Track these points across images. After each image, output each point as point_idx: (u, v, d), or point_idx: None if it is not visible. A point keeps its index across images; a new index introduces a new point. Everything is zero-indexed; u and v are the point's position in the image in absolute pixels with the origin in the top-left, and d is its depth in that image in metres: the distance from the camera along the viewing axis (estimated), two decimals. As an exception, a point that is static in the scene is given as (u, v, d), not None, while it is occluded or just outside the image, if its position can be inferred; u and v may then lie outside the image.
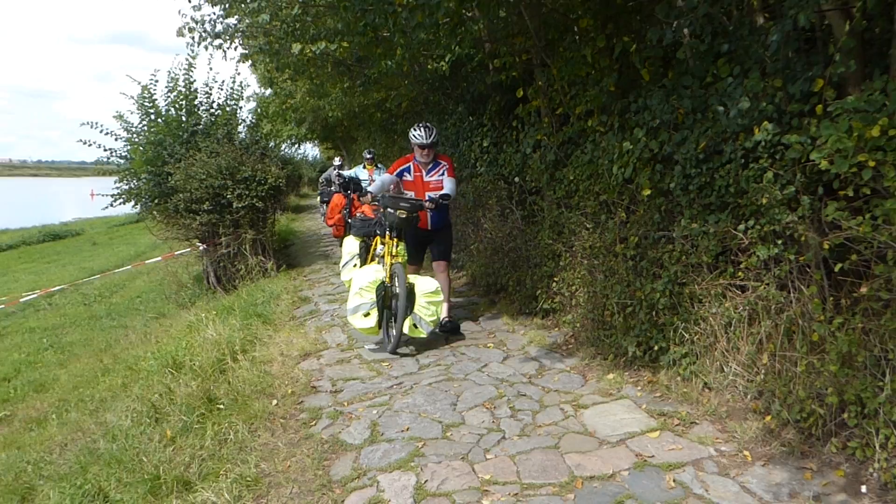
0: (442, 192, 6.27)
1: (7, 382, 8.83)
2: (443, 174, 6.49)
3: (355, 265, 7.53)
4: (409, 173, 6.52)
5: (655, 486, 3.48)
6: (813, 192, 3.70)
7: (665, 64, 5.16)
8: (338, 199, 10.98)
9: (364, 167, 11.59)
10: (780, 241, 3.86)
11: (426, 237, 6.68)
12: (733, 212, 4.25)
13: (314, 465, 4.05)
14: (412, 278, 6.05)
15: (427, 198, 6.31)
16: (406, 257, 6.51)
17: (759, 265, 4.06)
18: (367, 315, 5.92)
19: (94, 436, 5.45)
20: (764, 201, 3.85)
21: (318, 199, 16.06)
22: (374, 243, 7.19)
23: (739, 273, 4.24)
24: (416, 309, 5.91)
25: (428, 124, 6.44)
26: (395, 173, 6.53)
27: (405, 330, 5.93)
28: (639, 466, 3.68)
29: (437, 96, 10.58)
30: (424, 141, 6.34)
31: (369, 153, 11.66)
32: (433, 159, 6.48)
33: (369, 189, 6.44)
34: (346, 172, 12.34)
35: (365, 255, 7.56)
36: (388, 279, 6.10)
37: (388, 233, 6.31)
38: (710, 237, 4.36)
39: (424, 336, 6.01)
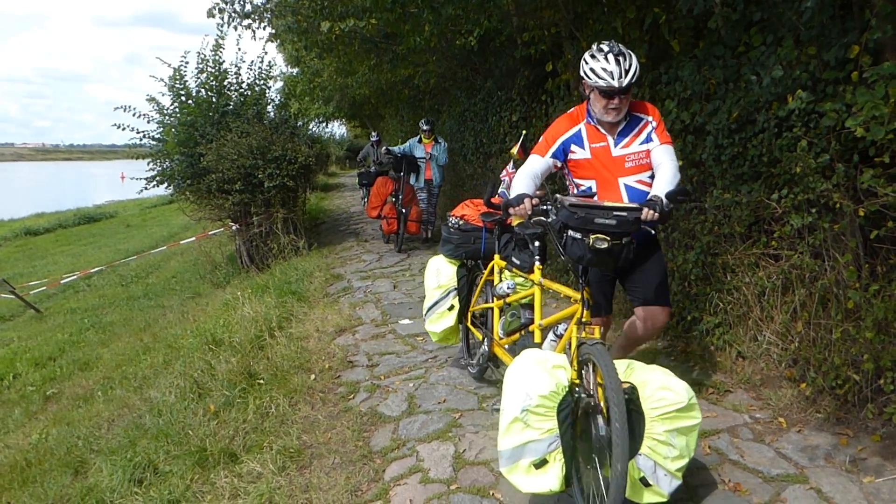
0: (672, 187, 3.30)
1: (53, 362, 9.10)
2: (649, 139, 3.49)
3: (451, 308, 4.63)
4: (581, 145, 3.54)
5: (690, 453, 3.52)
6: (848, 159, 3.68)
7: (696, 34, 5.12)
8: (382, 183, 10.00)
9: (420, 140, 10.02)
10: (814, 210, 3.85)
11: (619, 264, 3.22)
12: (766, 181, 4.23)
13: (354, 437, 4.16)
14: (633, 370, 3.09)
15: (626, 195, 3.49)
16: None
17: (792, 234, 4.05)
18: (540, 465, 2.85)
19: (140, 411, 5.64)
20: (798, 170, 3.83)
21: (357, 181, 14.30)
22: (485, 273, 4.47)
23: (773, 242, 4.24)
24: (647, 447, 2.86)
25: (620, 46, 3.37)
26: (551, 151, 3.59)
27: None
28: (674, 434, 3.72)
29: (465, 72, 10.57)
30: (614, 83, 3.29)
31: (427, 123, 9.97)
32: (627, 113, 3.50)
33: (517, 190, 3.49)
34: (396, 148, 10.17)
35: (469, 294, 4.69)
36: (575, 377, 3.02)
37: (536, 264, 3.73)
38: (742, 207, 4.35)
39: (664, 501, 2.90)
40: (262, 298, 7.30)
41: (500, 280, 4.18)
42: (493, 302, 4.31)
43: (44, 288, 13.31)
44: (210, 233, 12.25)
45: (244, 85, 12.04)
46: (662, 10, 5.21)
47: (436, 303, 4.68)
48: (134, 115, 11.52)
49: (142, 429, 5.15)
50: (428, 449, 3.87)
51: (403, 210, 9.63)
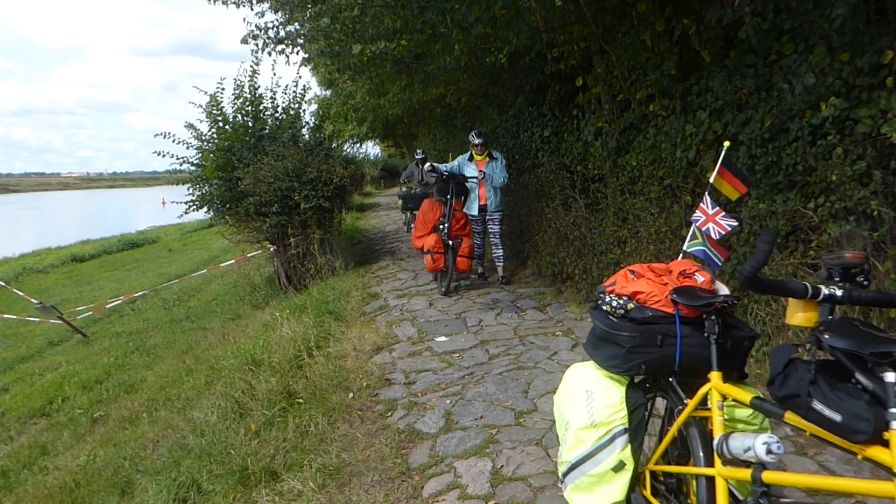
0: None
1: (100, 385, 9.29)
2: None
3: (620, 466, 2.46)
4: None
5: (732, 467, 3.47)
6: (885, 166, 3.63)
7: (726, 44, 5.10)
8: (429, 206, 8.50)
9: (471, 157, 8.40)
10: (852, 218, 3.80)
11: None
12: (802, 190, 4.19)
13: (393, 454, 4.19)
14: None
15: None
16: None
17: (831, 243, 4.00)
18: None
19: (184, 432, 5.73)
20: (834, 178, 3.79)
21: (400, 205, 13.17)
22: (690, 405, 2.36)
23: (811, 251, 4.18)
24: None
25: None
26: None
27: None
28: (714, 448, 3.67)
29: (496, 89, 10.62)
30: None
31: (479, 135, 8.26)
32: None
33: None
34: (443, 166, 8.44)
35: (643, 430, 2.53)
36: None
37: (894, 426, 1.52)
38: (778, 216, 4.31)
39: None
40: (300, 319, 7.40)
41: (724, 423, 2.22)
42: (712, 466, 2.25)
43: (90, 313, 13.62)
44: (249, 255, 12.42)
45: (279, 109, 12.25)
46: (692, 22, 5.20)
47: (589, 455, 2.53)
48: (174, 141, 11.79)
49: (185, 449, 5.24)
50: (465, 465, 3.88)
51: (451, 242, 8.09)
